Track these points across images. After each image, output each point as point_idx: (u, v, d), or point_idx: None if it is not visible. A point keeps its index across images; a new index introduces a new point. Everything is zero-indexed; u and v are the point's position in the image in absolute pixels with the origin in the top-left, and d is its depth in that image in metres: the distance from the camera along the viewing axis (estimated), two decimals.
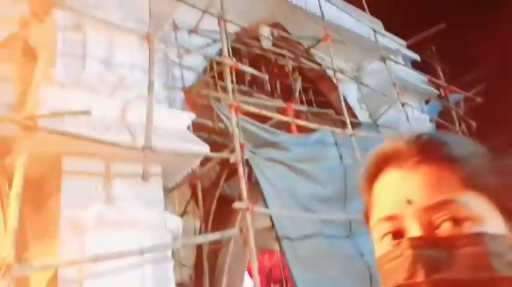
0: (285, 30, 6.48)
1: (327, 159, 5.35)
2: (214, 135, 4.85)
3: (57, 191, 3.10)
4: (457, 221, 0.60)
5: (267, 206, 4.31)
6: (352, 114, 6.50)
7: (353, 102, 7.20)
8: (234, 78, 4.46)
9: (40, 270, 2.73)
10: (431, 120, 7.67)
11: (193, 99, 4.76)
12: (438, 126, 7.65)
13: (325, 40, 5.94)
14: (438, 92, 8.15)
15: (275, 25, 6.34)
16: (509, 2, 10.67)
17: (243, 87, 5.77)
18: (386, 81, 6.74)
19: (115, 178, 3.34)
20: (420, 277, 0.57)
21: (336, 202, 4.87)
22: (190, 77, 5.06)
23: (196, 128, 4.43)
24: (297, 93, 6.66)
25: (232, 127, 4.08)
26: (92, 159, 3.27)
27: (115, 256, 2.86)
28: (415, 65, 8.62)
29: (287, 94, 6.49)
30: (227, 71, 4.29)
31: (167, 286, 3.24)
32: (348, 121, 5.38)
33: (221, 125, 4.68)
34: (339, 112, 6.15)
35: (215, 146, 4.25)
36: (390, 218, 0.64)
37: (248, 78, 6.20)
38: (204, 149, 3.82)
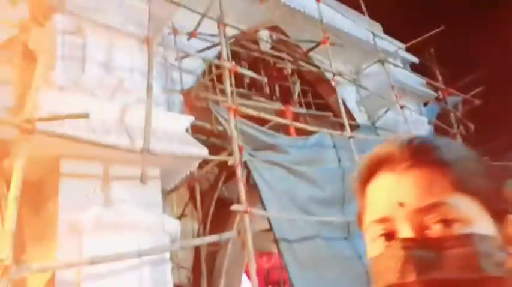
0: (283, 33, 6.51)
1: (326, 161, 5.36)
2: (213, 138, 4.87)
3: (55, 193, 3.12)
4: (447, 222, 0.61)
5: (265, 209, 4.33)
6: (350, 116, 6.52)
7: (351, 105, 7.22)
8: (233, 81, 4.48)
9: (38, 272, 2.74)
10: (429, 123, 7.69)
11: (192, 102, 4.78)
12: (437, 128, 7.67)
13: (324, 43, 5.96)
14: (436, 95, 8.17)
15: (274, 28, 6.37)
16: (509, 2, 10.68)
17: (242, 90, 5.79)
18: (384, 84, 6.76)
19: (113, 181, 3.35)
20: (411, 277, 0.59)
21: (334, 204, 4.88)
22: (189, 80, 5.09)
23: (195, 131, 4.45)
24: (296, 96, 6.67)
25: (230, 130, 4.10)
26: (90, 162, 3.29)
27: (113, 258, 2.87)
28: (413, 68, 8.64)
29: (286, 97, 6.51)
30: (226, 74, 4.31)
31: None
32: (346, 124, 5.40)
33: (220, 128, 4.70)
34: (337, 115, 6.18)
35: (214, 149, 4.27)
36: (383, 220, 0.66)
37: (247, 81, 6.23)
38: (203, 151, 3.84)
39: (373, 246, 0.67)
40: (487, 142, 7.60)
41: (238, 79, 5.56)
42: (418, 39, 7.77)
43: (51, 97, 3.18)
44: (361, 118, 7.24)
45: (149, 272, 3.17)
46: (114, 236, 3.07)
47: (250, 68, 6.01)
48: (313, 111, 6.75)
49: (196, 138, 4.05)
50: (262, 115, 4.70)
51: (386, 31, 8.64)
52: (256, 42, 6.19)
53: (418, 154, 0.67)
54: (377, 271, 0.65)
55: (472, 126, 7.63)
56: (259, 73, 6.08)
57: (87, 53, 3.66)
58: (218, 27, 4.56)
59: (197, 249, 4.53)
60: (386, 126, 6.84)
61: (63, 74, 3.46)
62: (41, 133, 2.85)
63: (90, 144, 3.06)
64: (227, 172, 4.89)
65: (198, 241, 4.20)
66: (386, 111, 7.15)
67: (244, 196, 3.77)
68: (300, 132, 5.40)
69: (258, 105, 5.25)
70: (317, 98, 7.14)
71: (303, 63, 6.62)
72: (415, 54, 8.67)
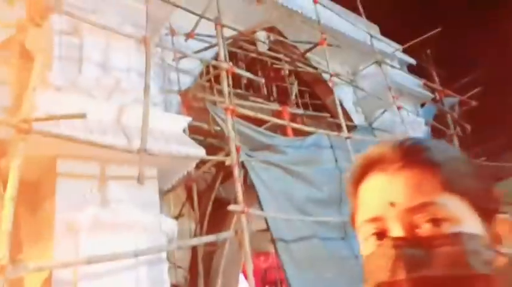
0: (281, 34, 6.52)
1: (323, 162, 5.38)
2: (210, 138, 4.87)
3: (52, 193, 3.12)
4: (436, 222, 0.63)
5: (262, 209, 4.33)
6: (347, 117, 6.54)
7: (349, 105, 7.25)
8: (231, 82, 4.49)
9: (34, 271, 2.74)
10: (426, 124, 7.71)
11: (189, 102, 4.79)
12: (433, 129, 7.69)
13: (321, 44, 5.97)
14: (433, 96, 8.20)
15: (271, 29, 6.39)
16: (506, 2, 10.70)
17: (239, 91, 5.80)
18: (381, 85, 6.78)
19: (110, 181, 3.36)
20: (401, 275, 0.61)
21: (331, 204, 4.89)
22: (186, 81, 5.10)
23: (192, 131, 4.46)
24: (293, 97, 6.69)
25: (227, 130, 4.11)
26: (87, 162, 3.29)
27: (110, 258, 2.88)
28: (410, 69, 8.68)
29: (283, 97, 6.53)
30: (223, 74, 4.32)
31: None
32: (343, 124, 5.42)
33: (217, 128, 4.70)
34: (334, 115, 6.19)
35: (211, 149, 4.28)
36: (374, 219, 0.68)
37: (244, 81, 6.23)
38: (200, 152, 3.84)
39: (366, 245, 0.69)
40: (484, 143, 7.64)
41: (236, 80, 5.56)
42: (415, 41, 7.80)
43: (48, 97, 3.18)
44: (358, 119, 7.27)
45: (146, 272, 3.18)
46: (111, 236, 3.08)
47: (247, 68, 6.03)
48: (311, 112, 6.76)
49: (194, 139, 4.06)
50: (260, 116, 4.71)
51: (384, 32, 8.68)
52: (254, 43, 6.20)
53: (409, 155, 0.68)
54: (368, 270, 0.66)
55: (468, 127, 7.66)
56: (256, 74, 6.10)
57: (84, 54, 3.66)
58: (215, 28, 4.56)
59: (194, 249, 4.53)
60: (383, 127, 6.87)
61: (60, 74, 3.46)
62: (38, 133, 2.85)
63: (87, 144, 3.06)
64: (224, 172, 4.90)
65: (195, 241, 4.21)
66: (383, 112, 7.18)
67: (242, 196, 3.77)
68: (297, 132, 5.42)
69: (255, 106, 5.25)
70: (314, 99, 7.16)
71: (300, 64, 6.63)
72: (412, 56, 8.70)
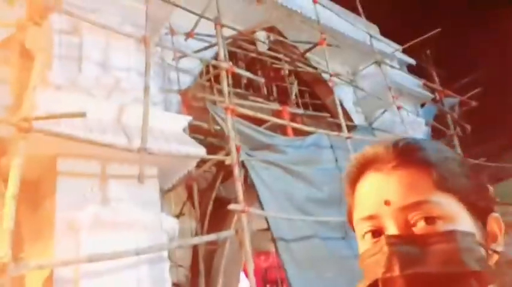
0: (281, 34, 6.53)
1: (323, 162, 5.38)
2: (210, 138, 4.87)
3: (52, 192, 3.12)
4: (430, 220, 0.65)
5: (262, 208, 4.33)
6: (347, 117, 6.54)
7: (349, 105, 7.25)
8: (231, 82, 4.49)
9: (35, 269, 2.74)
10: (426, 124, 7.72)
11: (189, 101, 4.79)
12: (433, 130, 7.70)
13: (321, 44, 5.98)
14: (433, 96, 8.20)
15: (271, 29, 6.40)
16: (506, 2, 10.70)
17: (239, 91, 5.81)
18: (381, 85, 6.79)
19: (111, 179, 3.36)
20: (396, 271, 0.62)
21: (332, 204, 4.88)
22: (186, 80, 5.10)
23: (192, 130, 4.46)
24: (293, 97, 6.69)
25: (227, 129, 4.11)
26: (87, 160, 3.30)
27: (110, 256, 2.87)
28: (410, 69, 8.68)
29: (283, 97, 6.53)
30: (223, 74, 4.32)
31: (163, 286, 3.26)
32: (343, 124, 5.42)
33: (217, 128, 4.70)
34: (334, 115, 6.19)
35: (211, 148, 4.28)
36: (370, 217, 0.70)
37: (244, 81, 6.24)
38: (200, 151, 3.84)
39: (363, 242, 0.71)
40: (485, 143, 7.64)
41: (236, 79, 5.57)
42: (415, 41, 7.80)
43: (48, 96, 3.18)
44: (358, 119, 7.27)
45: (147, 271, 3.18)
46: (112, 234, 3.08)
47: (247, 68, 6.04)
48: (311, 112, 6.77)
49: (194, 138, 4.06)
50: (259, 115, 4.71)
51: (384, 33, 8.69)
52: (254, 43, 6.21)
53: (404, 154, 0.71)
54: (365, 266, 0.68)
55: (468, 127, 7.66)
56: (256, 74, 6.11)
57: (84, 53, 3.67)
58: (215, 28, 4.57)
59: (195, 248, 4.53)
60: (383, 127, 6.87)
61: (60, 74, 3.47)
62: (38, 132, 2.85)
63: (87, 143, 3.06)
64: (225, 171, 4.90)
65: (195, 240, 4.20)
66: (383, 112, 7.18)
67: (242, 196, 3.77)
68: (297, 132, 5.42)
69: (255, 106, 5.26)
70: (314, 99, 7.17)
71: (300, 64, 6.64)
72: (411, 56, 8.72)
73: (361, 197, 0.73)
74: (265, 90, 6.57)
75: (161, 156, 3.48)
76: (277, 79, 6.66)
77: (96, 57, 3.73)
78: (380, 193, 0.69)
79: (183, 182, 4.44)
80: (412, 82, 8.10)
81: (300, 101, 6.92)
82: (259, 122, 4.93)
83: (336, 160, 5.44)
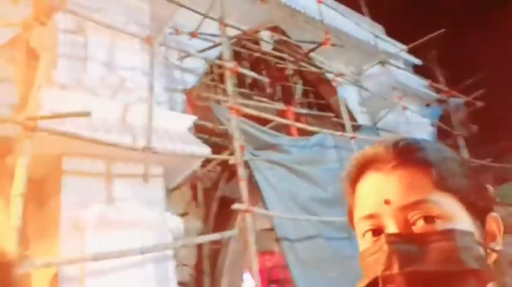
0: (285, 34, 6.53)
1: (327, 162, 5.37)
2: (215, 137, 4.87)
3: (58, 191, 3.13)
4: (429, 219, 0.66)
5: (266, 208, 4.33)
6: (352, 117, 6.53)
7: (353, 105, 7.23)
8: (235, 81, 4.49)
9: (41, 267, 2.75)
10: (432, 125, 7.68)
11: (194, 101, 4.80)
12: (439, 130, 7.66)
13: (325, 44, 5.97)
14: (439, 96, 8.16)
15: (275, 29, 6.39)
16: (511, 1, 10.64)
17: (243, 90, 5.81)
18: (386, 85, 6.78)
19: (116, 178, 3.37)
20: (396, 269, 0.63)
21: (336, 204, 4.87)
22: (191, 80, 5.11)
23: (197, 130, 4.46)
24: (297, 96, 6.69)
25: (232, 129, 4.11)
26: (92, 159, 3.31)
27: (115, 255, 2.88)
28: (416, 69, 8.65)
29: (287, 97, 6.53)
30: (228, 74, 4.32)
31: (168, 285, 3.26)
32: (347, 124, 5.41)
33: (221, 127, 4.71)
34: (338, 115, 6.18)
35: (216, 148, 4.28)
36: (370, 216, 0.71)
37: (249, 81, 6.24)
38: (205, 150, 3.85)
39: (363, 241, 0.72)
40: (490, 144, 7.60)
41: (240, 79, 5.58)
42: (420, 41, 7.77)
43: (53, 95, 3.19)
44: (362, 119, 7.25)
45: (153, 270, 3.18)
46: (117, 233, 3.08)
47: (251, 68, 6.03)
48: (315, 112, 6.76)
49: (198, 137, 4.06)
50: (264, 115, 4.71)
51: (389, 33, 8.66)
52: (258, 43, 6.20)
53: (404, 154, 0.71)
54: (366, 264, 0.69)
55: (474, 128, 7.62)
56: (260, 73, 6.10)
57: (89, 52, 3.68)
58: (219, 28, 4.57)
59: (200, 247, 4.54)
60: (388, 128, 6.84)
61: (65, 73, 3.48)
62: (43, 131, 2.86)
63: (92, 142, 3.08)
64: (229, 170, 4.90)
65: (200, 239, 4.21)
66: (388, 112, 7.15)
67: (246, 195, 3.77)
68: (302, 132, 5.41)
69: (259, 105, 5.25)
70: (318, 99, 7.16)
71: (304, 64, 6.63)
72: (417, 56, 8.67)
73: (362, 196, 0.74)
74: (269, 90, 6.57)
75: (166, 155, 3.49)
76: (281, 79, 6.65)
77: (101, 57, 3.74)
78: (380, 193, 0.70)
79: (187, 182, 4.45)
80: (417, 82, 8.07)
81: (304, 100, 6.91)
82: (263, 121, 4.93)
83: (340, 160, 5.43)
